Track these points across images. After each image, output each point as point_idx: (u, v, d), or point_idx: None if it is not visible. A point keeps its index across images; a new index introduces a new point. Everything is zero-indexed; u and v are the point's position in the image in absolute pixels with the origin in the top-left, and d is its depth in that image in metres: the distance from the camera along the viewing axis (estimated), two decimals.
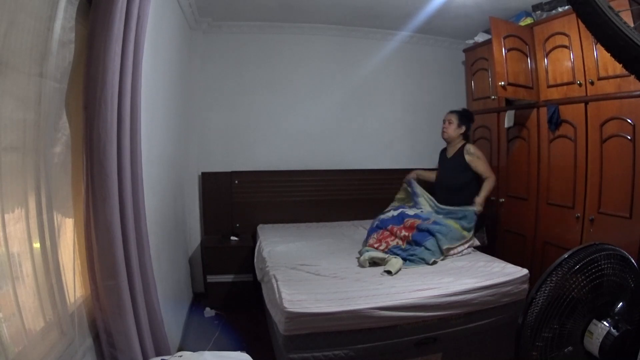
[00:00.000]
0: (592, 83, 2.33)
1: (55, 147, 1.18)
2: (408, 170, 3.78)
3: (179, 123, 2.91)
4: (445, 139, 2.96)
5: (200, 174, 3.41)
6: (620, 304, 1.24)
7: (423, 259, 2.31)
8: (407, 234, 2.52)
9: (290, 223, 3.44)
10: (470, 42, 3.56)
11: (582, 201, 2.43)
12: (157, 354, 1.47)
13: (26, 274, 1.02)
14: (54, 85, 1.15)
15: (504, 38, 2.74)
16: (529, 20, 2.86)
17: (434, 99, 3.87)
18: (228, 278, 3.10)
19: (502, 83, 2.67)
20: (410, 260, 2.31)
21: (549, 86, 2.67)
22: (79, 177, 1.28)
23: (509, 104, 3.10)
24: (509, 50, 2.75)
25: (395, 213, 2.80)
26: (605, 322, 1.21)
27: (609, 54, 0.99)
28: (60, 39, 1.15)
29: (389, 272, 2.13)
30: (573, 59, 2.45)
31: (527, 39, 2.80)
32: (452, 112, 2.94)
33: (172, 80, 2.65)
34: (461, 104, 3.73)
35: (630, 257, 1.28)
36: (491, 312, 2.01)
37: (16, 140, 0.99)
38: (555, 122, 2.60)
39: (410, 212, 2.76)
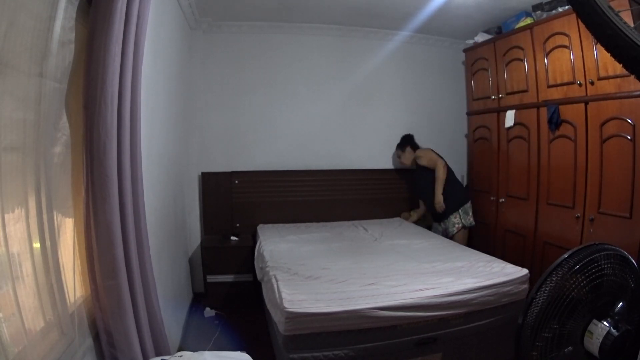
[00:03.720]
0: (592, 83, 2.33)
1: (55, 147, 1.18)
2: (408, 170, 3.81)
3: (179, 123, 2.91)
4: (409, 166, 3.58)
5: (200, 174, 3.41)
6: (620, 304, 1.24)
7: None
8: None
9: (290, 223, 3.44)
10: (470, 42, 3.56)
11: (582, 201, 2.43)
12: (157, 354, 1.47)
13: (26, 274, 1.01)
14: (54, 85, 1.15)
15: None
16: (529, 20, 2.86)
17: (434, 99, 3.88)
18: (228, 278, 3.10)
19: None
20: None
21: (549, 86, 2.67)
22: (79, 177, 1.28)
23: None
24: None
25: None
26: (605, 322, 1.21)
27: (609, 54, 0.99)
28: (60, 39, 1.15)
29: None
30: (573, 59, 2.45)
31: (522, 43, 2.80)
32: (396, 149, 3.60)
33: (172, 80, 2.65)
34: (461, 103, 3.74)
35: (630, 257, 1.28)
36: (491, 312, 2.01)
37: (16, 140, 0.99)
38: (555, 122, 2.59)
39: None
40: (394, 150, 3.62)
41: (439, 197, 3.21)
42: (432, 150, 3.42)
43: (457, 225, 3.24)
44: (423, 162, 3.38)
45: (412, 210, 3.71)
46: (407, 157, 3.51)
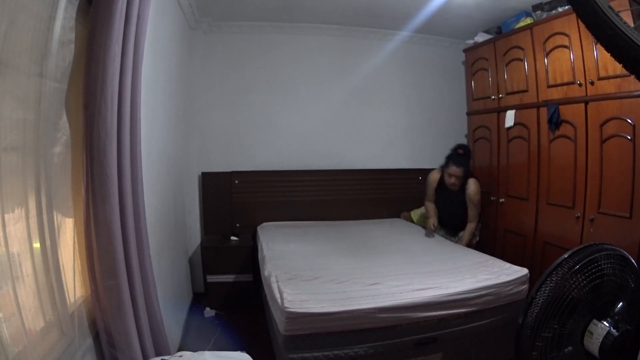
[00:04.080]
0: (592, 83, 2.33)
1: (55, 147, 1.18)
2: (408, 170, 3.81)
3: (179, 123, 2.91)
4: (454, 190, 2.98)
5: (200, 174, 3.41)
6: (620, 304, 1.24)
7: None
8: None
9: (290, 222, 3.44)
10: (470, 42, 3.56)
11: (582, 201, 2.43)
12: (157, 354, 1.47)
13: (26, 274, 1.01)
14: (54, 85, 1.15)
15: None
16: (529, 20, 2.86)
17: (434, 99, 3.88)
18: (228, 278, 3.10)
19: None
20: None
21: (549, 86, 2.67)
22: (79, 177, 1.28)
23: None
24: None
25: None
26: (605, 322, 1.21)
27: (609, 54, 0.99)
28: (60, 39, 1.15)
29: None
30: (573, 59, 2.45)
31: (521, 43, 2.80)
32: (458, 166, 2.89)
33: (172, 80, 2.65)
34: (461, 103, 3.73)
35: (630, 257, 1.28)
36: (491, 312, 2.01)
37: (16, 140, 0.99)
38: (555, 122, 2.59)
39: None
40: (449, 165, 2.91)
41: (466, 246, 2.89)
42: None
43: (474, 241, 3.07)
44: (469, 204, 2.93)
45: (412, 210, 3.70)
46: (460, 178, 2.92)
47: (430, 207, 3.18)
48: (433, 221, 3.05)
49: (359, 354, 1.77)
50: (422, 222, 3.59)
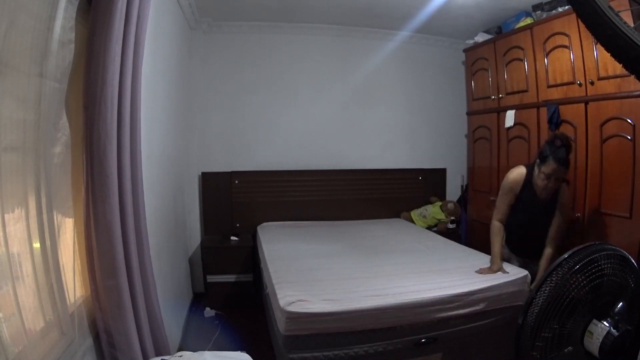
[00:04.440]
0: (592, 83, 2.33)
1: (55, 147, 1.18)
2: (408, 170, 3.80)
3: (179, 123, 2.91)
4: (543, 198, 2.15)
5: (200, 174, 3.41)
6: (620, 304, 1.24)
7: None
8: None
9: (290, 222, 3.45)
10: (470, 42, 3.55)
11: (582, 201, 2.43)
12: (157, 354, 1.47)
13: (26, 274, 1.01)
14: (54, 85, 1.15)
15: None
16: (529, 20, 2.86)
17: (434, 98, 3.88)
18: (228, 278, 3.10)
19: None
20: None
21: (549, 86, 2.67)
22: (79, 177, 1.28)
23: None
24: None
25: None
26: (605, 322, 1.21)
27: (609, 54, 0.99)
28: (60, 39, 1.16)
29: None
30: (573, 59, 2.44)
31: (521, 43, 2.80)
32: (561, 164, 2.02)
33: (172, 80, 2.65)
34: (461, 103, 3.73)
35: (630, 257, 1.28)
36: (491, 312, 2.00)
37: (16, 140, 0.99)
38: (555, 122, 2.59)
39: None
40: (548, 161, 2.04)
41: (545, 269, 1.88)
42: None
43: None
44: (564, 204, 2.17)
45: (412, 210, 3.70)
46: (560, 182, 2.12)
47: (497, 232, 2.24)
48: (499, 267, 2.15)
49: (359, 354, 1.77)
50: (422, 223, 3.57)
